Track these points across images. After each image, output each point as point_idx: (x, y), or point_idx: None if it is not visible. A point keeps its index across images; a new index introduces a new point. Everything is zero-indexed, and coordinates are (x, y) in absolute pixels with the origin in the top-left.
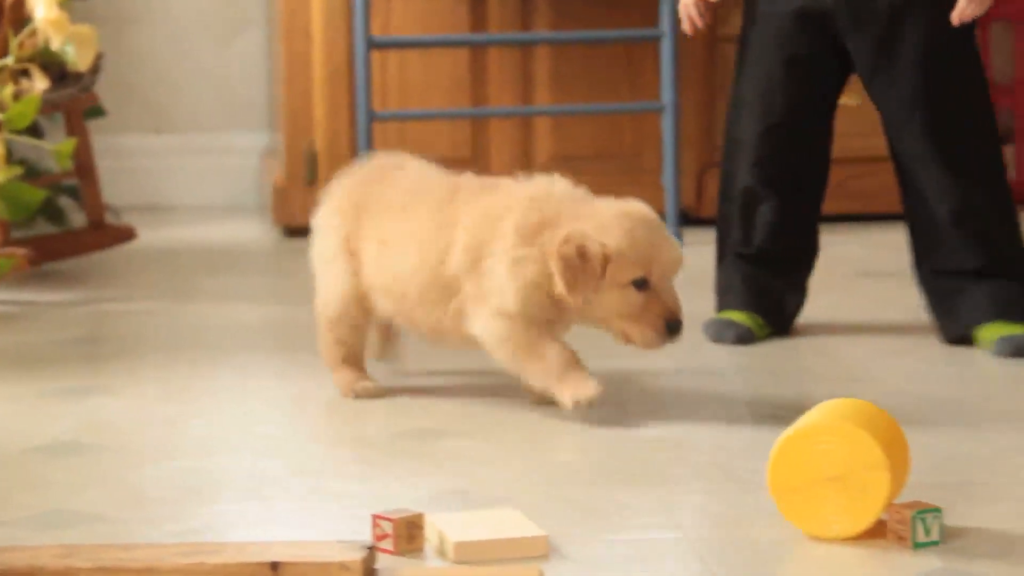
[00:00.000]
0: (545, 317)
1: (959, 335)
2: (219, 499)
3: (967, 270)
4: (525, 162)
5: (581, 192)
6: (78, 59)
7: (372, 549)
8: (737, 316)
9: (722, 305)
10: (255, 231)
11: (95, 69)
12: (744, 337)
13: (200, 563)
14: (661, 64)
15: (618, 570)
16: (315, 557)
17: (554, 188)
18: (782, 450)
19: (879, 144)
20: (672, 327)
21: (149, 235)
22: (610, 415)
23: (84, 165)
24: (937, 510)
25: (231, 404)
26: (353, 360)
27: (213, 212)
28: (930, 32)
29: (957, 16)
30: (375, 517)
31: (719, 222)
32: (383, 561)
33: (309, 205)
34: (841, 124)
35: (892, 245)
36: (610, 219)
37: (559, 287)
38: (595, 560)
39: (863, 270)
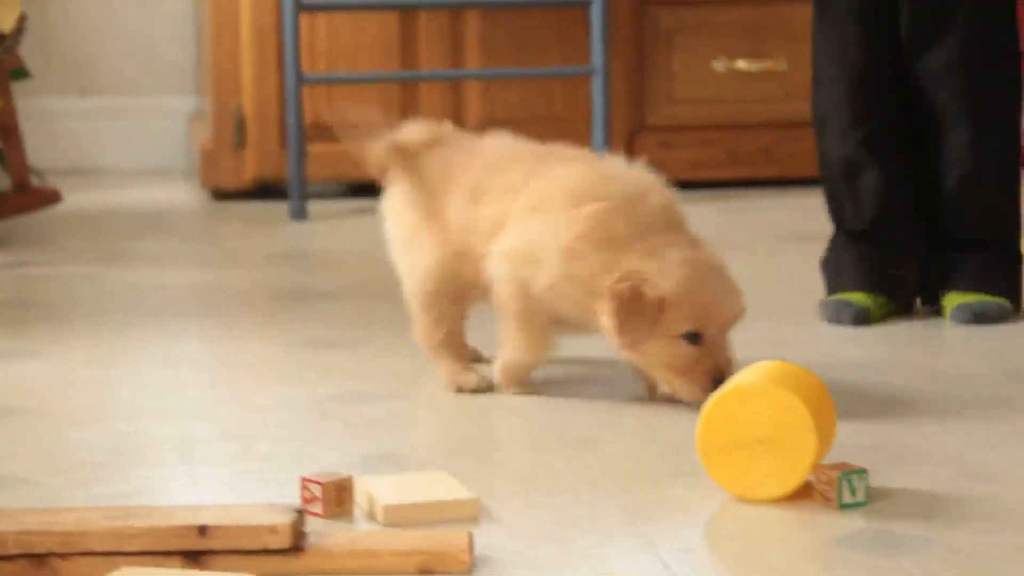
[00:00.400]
0: (565, 314)
1: (926, 301)
2: (147, 463)
3: (957, 239)
4: (455, 125)
5: (672, 208)
6: (1, 20)
7: (301, 512)
8: (855, 296)
9: (836, 286)
10: (183, 195)
11: (19, 30)
12: (861, 318)
13: (127, 527)
14: (591, 28)
15: (549, 532)
16: (243, 520)
17: (646, 200)
18: (710, 412)
19: (806, 109)
20: (718, 383)
21: (75, 198)
22: (540, 377)
23: (8, 127)
24: (863, 471)
25: (159, 368)
26: (455, 345)
27: (140, 175)
28: None
29: None
30: (304, 480)
31: (828, 205)
32: (312, 524)
33: (237, 168)
34: (770, 90)
35: (818, 209)
36: (676, 264)
37: (606, 324)
38: (525, 523)
39: (790, 234)
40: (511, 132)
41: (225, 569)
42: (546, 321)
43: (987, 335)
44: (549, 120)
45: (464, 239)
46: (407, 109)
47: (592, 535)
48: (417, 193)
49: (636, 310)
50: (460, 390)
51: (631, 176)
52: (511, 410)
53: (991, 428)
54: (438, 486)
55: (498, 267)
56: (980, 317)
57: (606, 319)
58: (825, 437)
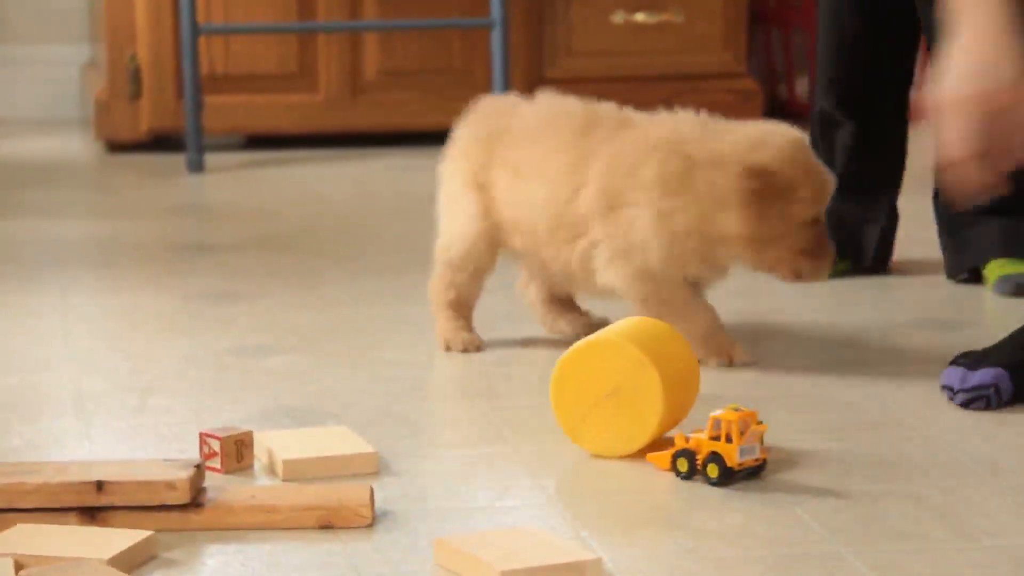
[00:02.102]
0: (691, 274)
1: (963, 270)
2: (40, 417)
3: (982, 208)
4: (353, 78)
5: (714, 122)
6: None
7: (199, 467)
8: None
9: None
10: (77, 146)
11: None
12: None
13: (20, 483)
14: None
15: (448, 485)
16: (141, 476)
17: (687, 126)
18: (559, 369)
19: (707, 62)
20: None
21: None
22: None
23: None
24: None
25: (52, 320)
26: (461, 308)
27: (33, 125)
28: None
29: None
30: (202, 435)
31: None
32: (211, 480)
33: (133, 119)
34: (668, 42)
35: None
36: (783, 144)
37: (737, 226)
38: (425, 475)
39: None
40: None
41: (123, 525)
42: (684, 288)
43: (901, 287)
44: (448, 72)
45: (509, 214)
46: (304, 61)
47: (493, 488)
48: (463, 161)
49: (770, 196)
50: (448, 348)
51: (665, 123)
52: (412, 363)
53: (884, 376)
54: (338, 440)
55: (613, 280)
56: (1020, 290)
57: (737, 225)
58: (676, 395)
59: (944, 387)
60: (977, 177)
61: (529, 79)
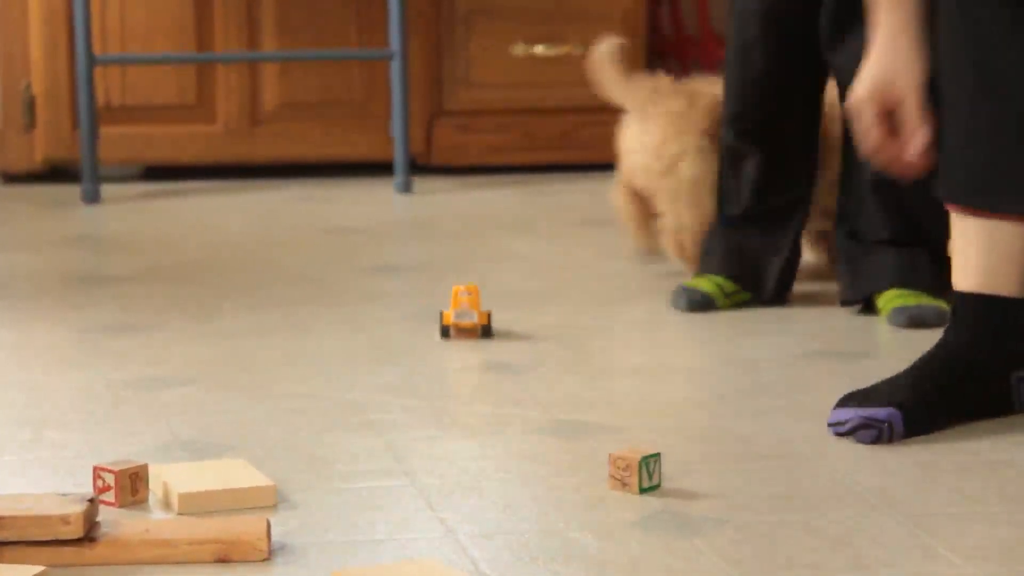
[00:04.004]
0: None
1: (857, 299)
2: None
3: (881, 239)
4: (252, 109)
5: None
6: None
7: (93, 502)
8: (702, 282)
9: (699, 269)
10: None
11: None
12: (697, 304)
13: None
14: (389, 10)
15: (346, 518)
16: (34, 510)
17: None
18: None
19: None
20: None
21: None
22: (338, 361)
23: None
24: (658, 455)
25: None
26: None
27: None
28: None
29: None
30: (96, 469)
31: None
32: (105, 514)
33: (27, 150)
34: (567, 75)
35: None
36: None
37: None
38: (323, 508)
39: (588, 218)
40: (308, 116)
41: (15, 561)
42: None
43: (798, 319)
44: (348, 103)
45: None
46: (203, 92)
47: (391, 520)
48: None
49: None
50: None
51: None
52: (310, 396)
53: (779, 408)
54: (235, 473)
55: None
56: (917, 321)
57: None
58: None
59: (831, 424)
60: (893, 164)
61: (429, 111)
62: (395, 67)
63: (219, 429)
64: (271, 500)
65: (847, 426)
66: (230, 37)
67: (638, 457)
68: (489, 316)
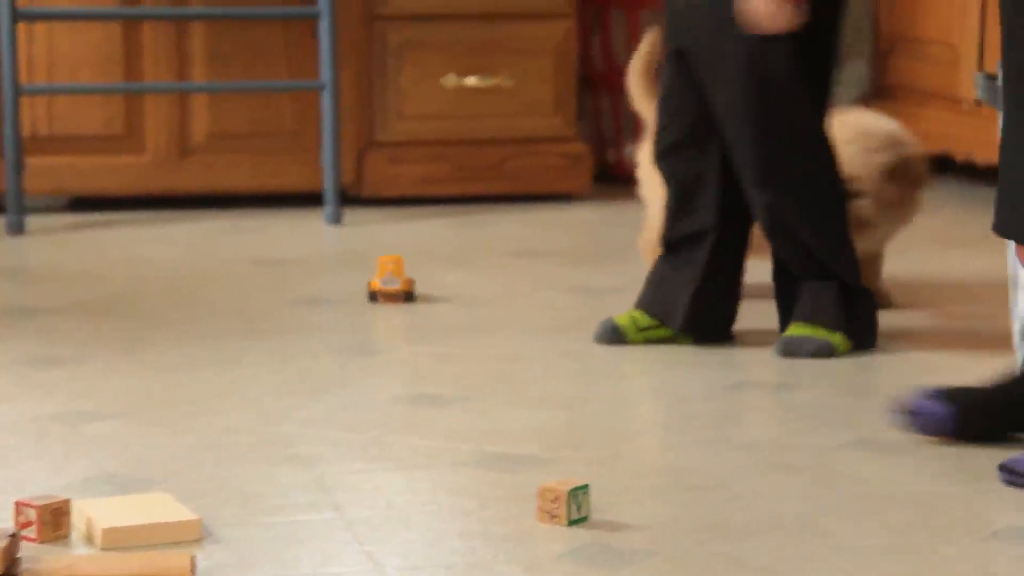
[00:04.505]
0: None
1: (781, 332)
2: None
3: (788, 272)
4: (181, 140)
5: None
6: None
7: (15, 537)
8: (623, 315)
9: (635, 303)
10: None
11: None
12: (605, 337)
13: None
14: (320, 42)
15: (273, 552)
16: None
17: None
18: None
19: (537, 125)
20: None
21: None
22: (266, 394)
23: None
24: (586, 487)
25: None
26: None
27: None
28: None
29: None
30: (18, 504)
31: None
32: (27, 550)
33: None
34: (499, 106)
35: (548, 224)
36: None
37: None
38: (250, 543)
39: (519, 249)
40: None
41: None
42: None
43: (727, 351)
44: (278, 134)
45: None
46: (131, 123)
47: (317, 554)
48: None
49: None
50: None
51: None
52: (236, 429)
53: (707, 440)
54: (159, 507)
55: None
56: (791, 350)
57: None
58: None
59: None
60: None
61: (360, 142)
62: (326, 98)
63: (145, 463)
64: (196, 535)
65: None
66: (159, 67)
67: (566, 489)
68: (412, 283)
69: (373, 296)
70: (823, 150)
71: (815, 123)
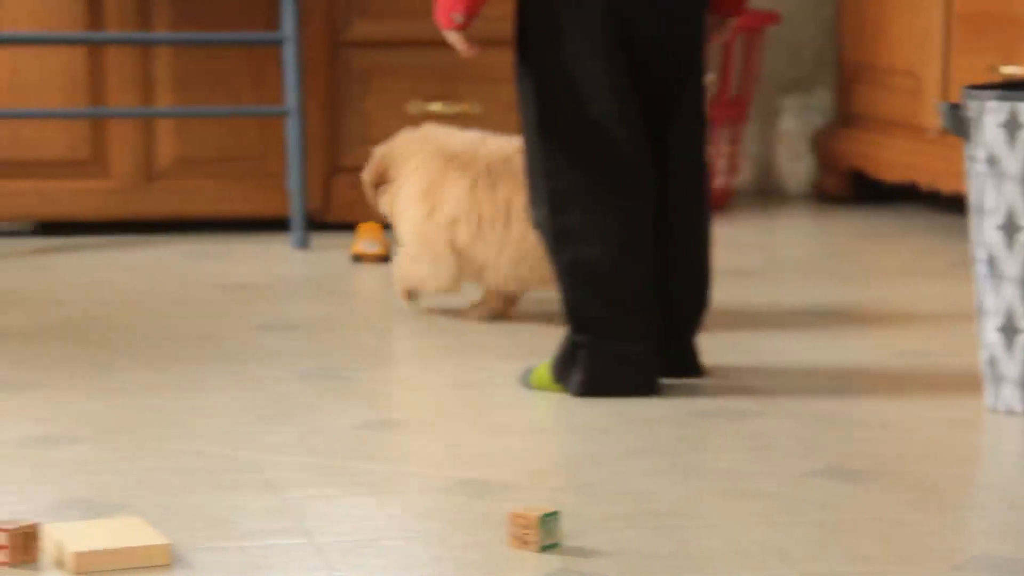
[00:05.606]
0: None
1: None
2: None
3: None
4: (147, 165)
5: None
6: None
7: None
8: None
9: None
10: None
11: None
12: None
13: None
14: (285, 67)
15: None
16: None
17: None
18: None
19: None
20: None
21: None
22: (233, 419)
23: None
24: (556, 513)
25: None
26: None
27: None
28: None
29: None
30: None
31: None
32: None
33: None
34: None
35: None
36: None
37: None
38: (221, 568)
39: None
40: (204, 172)
41: None
42: None
43: (677, 381)
44: (244, 159)
45: None
46: (97, 147)
47: None
48: None
49: None
50: None
51: None
52: (204, 453)
53: (675, 466)
54: (130, 531)
55: None
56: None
57: None
58: None
59: None
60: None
61: (325, 167)
62: (292, 124)
63: (113, 488)
64: (166, 559)
65: None
66: (125, 92)
67: (538, 515)
68: (389, 246)
69: (357, 258)
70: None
71: None
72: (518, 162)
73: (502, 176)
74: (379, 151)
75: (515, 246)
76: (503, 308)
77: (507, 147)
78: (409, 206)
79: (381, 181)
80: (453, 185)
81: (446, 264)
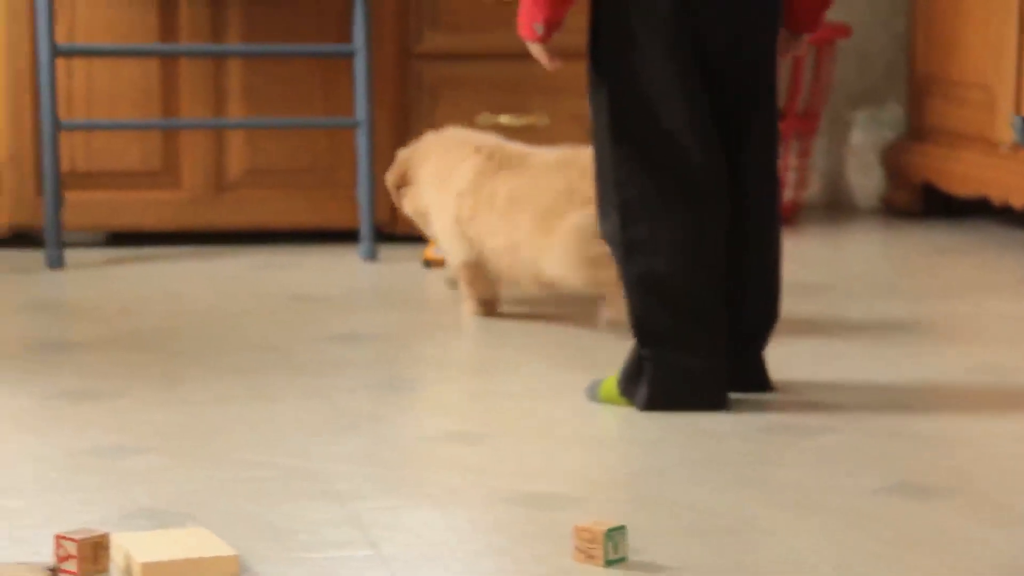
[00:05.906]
0: None
1: None
2: None
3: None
4: (218, 176)
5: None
6: None
7: (55, 571)
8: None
9: None
10: None
11: None
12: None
13: None
14: (355, 79)
15: None
16: None
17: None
18: None
19: None
20: None
21: None
22: (300, 430)
23: None
24: (623, 528)
25: None
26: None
27: None
28: None
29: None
30: (58, 537)
31: None
32: None
33: None
34: (530, 144)
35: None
36: None
37: None
38: None
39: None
40: (274, 183)
41: None
42: None
43: (744, 395)
44: (313, 170)
45: None
46: (168, 159)
47: None
48: None
49: None
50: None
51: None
52: (272, 464)
53: (741, 480)
54: (197, 542)
55: None
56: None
57: None
58: None
59: None
60: None
61: None
62: (361, 135)
63: (180, 498)
64: (234, 570)
65: None
66: (196, 103)
67: (603, 529)
68: None
69: (428, 263)
70: None
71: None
72: (536, 160)
73: (510, 164)
74: (402, 154)
75: (506, 235)
76: (490, 296)
77: (532, 148)
78: (429, 189)
79: (403, 183)
80: (462, 163)
81: (458, 238)
